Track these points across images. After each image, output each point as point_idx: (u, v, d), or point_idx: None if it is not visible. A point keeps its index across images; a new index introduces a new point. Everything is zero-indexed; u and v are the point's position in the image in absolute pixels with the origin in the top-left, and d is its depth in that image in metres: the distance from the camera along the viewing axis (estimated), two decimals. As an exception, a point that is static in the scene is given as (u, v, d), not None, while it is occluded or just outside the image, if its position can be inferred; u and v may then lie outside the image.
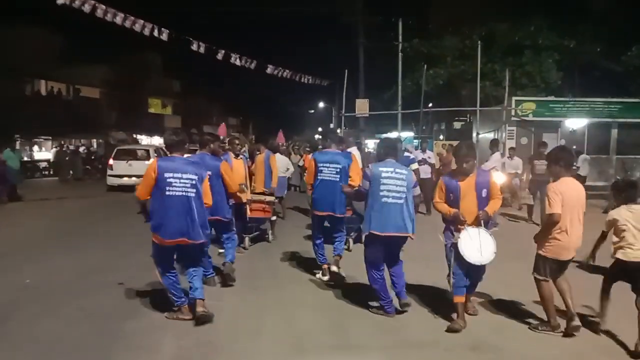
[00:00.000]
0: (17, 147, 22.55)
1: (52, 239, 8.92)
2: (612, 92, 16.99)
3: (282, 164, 9.85)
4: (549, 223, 4.19)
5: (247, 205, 7.44)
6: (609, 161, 16.27)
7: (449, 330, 4.33)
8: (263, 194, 8.21)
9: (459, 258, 4.40)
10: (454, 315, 4.47)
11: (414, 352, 4.05)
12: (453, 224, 4.58)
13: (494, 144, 10.52)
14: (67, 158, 22.90)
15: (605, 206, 12.24)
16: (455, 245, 4.44)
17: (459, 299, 4.42)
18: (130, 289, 5.55)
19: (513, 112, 16.18)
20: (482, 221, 4.46)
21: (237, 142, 7.62)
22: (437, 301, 5.27)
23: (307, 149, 15.69)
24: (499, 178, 7.66)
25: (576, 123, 16.34)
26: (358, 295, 5.35)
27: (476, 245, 4.36)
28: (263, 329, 4.50)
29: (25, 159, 24.39)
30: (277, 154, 9.65)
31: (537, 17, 18.72)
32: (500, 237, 7.39)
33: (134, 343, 4.17)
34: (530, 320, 4.67)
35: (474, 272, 4.53)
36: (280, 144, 16.43)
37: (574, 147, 16.02)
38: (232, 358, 3.94)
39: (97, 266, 6.70)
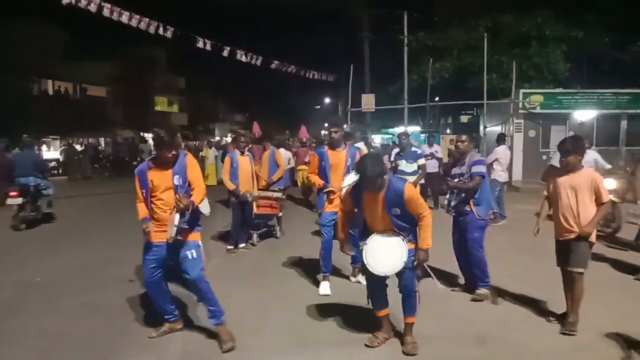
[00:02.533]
0: (26, 146, 22.71)
1: (60, 235, 8.99)
2: (621, 83, 16.79)
3: (284, 157, 10.03)
4: (607, 208, 4.25)
5: (254, 202, 7.45)
6: (618, 153, 16.10)
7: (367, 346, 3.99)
8: (269, 190, 8.20)
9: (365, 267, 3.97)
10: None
11: (419, 344, 4.03)
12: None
13: (500, 137, 10.44)
14: (75, 157, 23.05)
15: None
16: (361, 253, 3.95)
17: (380, 313, 4.07)
18: (136, 285, 5.58)
19: (520, 105, 16.05)
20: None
21: (242, 139, 7.62)
22: (442, 295, 5.26)
23: (313, 144, 15.65)
24: (609, 183, 6.99)
25: (585, 115, 16.18)
26: (363, 291, 5.34)
27: (385, 253, 3.84)
28: (269, 325, 4.51)
29: (34, 158, 24.53)
30: (281, 149, 9.74)
31: (544, 7, 18.52)
32: (508, 230, 7.38)
33: (140, 339, 4.20)
34: (535, 312, 4.65)
35: (399, 287, 3.97)
36: (303, 138, 16.50)
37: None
38: (237, 353, 3.95)
39: (105, 262, 6.75)
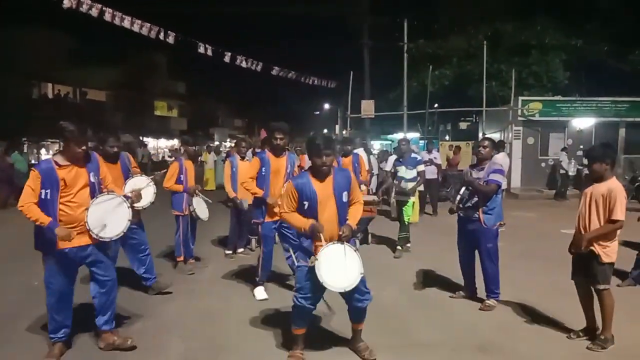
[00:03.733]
0: (25, 150, 22.70)
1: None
2: (619, 91, 16.86)
3: None
4: (617, 228, 3.94)
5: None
6: (617, 161, 16.15)
7: None
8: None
9: (315, 284, 3.61)
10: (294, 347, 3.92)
11: (420, 352, 4.03)
12: (307, 240, 3.76)
13: (500, 145, 10.48)
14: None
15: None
16: (312, 270, 3.57)
17: (300, 331, 3.88)
18: (137, 289, 5.56)
19: (519, 112, 16.11)
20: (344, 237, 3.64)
21: (243, 144, 7.63)
22: (444, 301, 5.26)
23: (298, 149, 15.65)
24: None
25: (583, 123, 16.24)
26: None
27: (340, 266, 3.55)
28: (269, 330, 4.49)
29: (33, 162, 24.56)
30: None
31: (544, 16, 18.64)
32: (507, 237, 7.39)
33: (142, 343, 4.17)
34: (537, 320, 4.64)
35: (347, 297, 3.75)
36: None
37: (581, 146, 15.98)
38: (237, 358, 3.94)
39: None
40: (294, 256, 3.95)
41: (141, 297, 5.35)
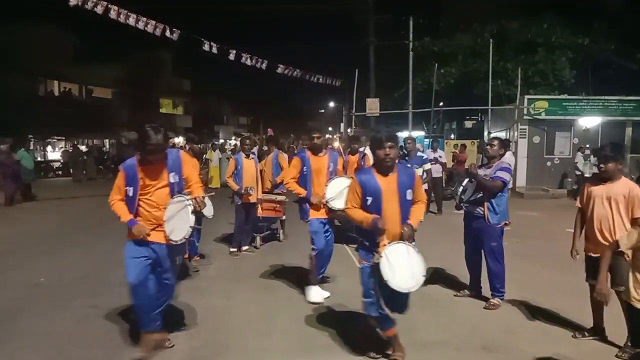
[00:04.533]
0: (31, 147, 22.84)
1: (65, 236, 9.02)
2: (626, 90, 16.74)
3: None
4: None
5: (258, 205, 7.47)
6: (623, 160, 16.03)
7: None
8: (273, 192, 8.21)
9: (382, 284, 3.49)
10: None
11: (424, 351, 4.02)
12: (370, 238, 3.62)
13: (506, 144, 10.43)
14: (80, 158, 23.15)
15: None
16: (375, 268, 3.50)
17: (392, 332, 3.77)
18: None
19: (525, 111, 16.03)
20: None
21: (247, 142, 7.63)
22: (449, 300, 5.25)
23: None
24: None
25: (590, 121, 16.14)
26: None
27: (405, 266, 3.45)
28: (273, 328, 4.50)
29: (39, 159, 24.71)
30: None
31: (550, 14, 18.52)
32: (512, 236, 7.37)
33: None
34: (542, 320, 4.62)
35: (396, 301, 3.64)
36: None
37: (588, 145, 15.89)
38: (242, 357, 3.95)
39: (110, 263, 6.74)
40: (354, 258, 3.91)
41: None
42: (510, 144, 13.74)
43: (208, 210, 6.42)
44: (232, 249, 7.39)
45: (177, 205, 3.68)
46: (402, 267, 3.43)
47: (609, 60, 18.60)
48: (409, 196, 3.62)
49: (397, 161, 3.73)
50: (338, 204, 4.75)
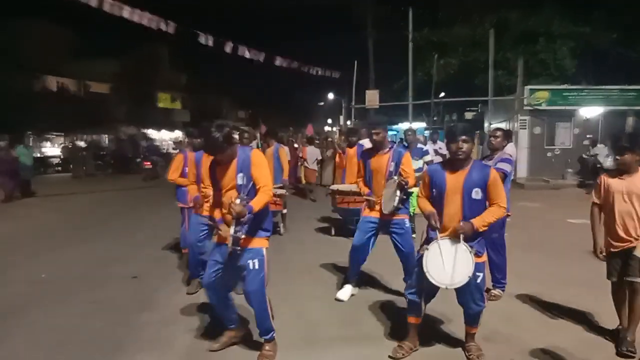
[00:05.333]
0: (30, 143, 22.77)
1: (66, 232, 8.98)
2: (627, 79, 16.67)
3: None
4: None
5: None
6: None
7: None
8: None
9: (420, 275, 3.54)
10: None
11: (429, 343, 3.98)
12: (428, 230, 3.64)
13: (508, 134, 10.36)
14: (79, 154, 23.08)
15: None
16: (420, 259, 3.54)
17: (412, 319, 3.77)
18: (143, 281, 5.56)
19: (526, 102, 15.95)
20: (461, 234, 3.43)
21: (245, 135, 7.56)
22: (450, 291, 5.20)
23: (317, 141, 15.64)
24: None
25: (591, 112, 16.08)
26: (369, 287, 5.31)
27: (448, 262, 3.41)
28: (274, 322, 4.46)
29: (38, 155, 24.63)
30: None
31: (551, 3, 18.38)
32: (513, 227, 7.35)
33: (147, 336, 4.18)
34: (543, 310, 4.60)
35: (461, 298, 3.67)
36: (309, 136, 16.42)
37: (590, 135, 15.83)
38: (244, 350, 3.92)
39: (110, 259, 6.73)
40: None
41: (147, 290, 5.36)
42: (512, 135, 13.66)
43: (208, 205, 6.40)
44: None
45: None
46: (445, 262, 3.39)
47: (610, 50, 18.49)
48: (475, 195, 3.44)
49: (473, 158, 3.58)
50: (387, 208, 4.65)
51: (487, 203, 3.52)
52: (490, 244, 4.96)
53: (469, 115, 25.48)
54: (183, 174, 5.83)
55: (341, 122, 36.07)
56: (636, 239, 3.71)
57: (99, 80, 32.53)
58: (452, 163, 3.54)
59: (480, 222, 3.44)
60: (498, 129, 5.37)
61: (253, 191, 3.49)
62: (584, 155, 15.31)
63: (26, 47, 24.65)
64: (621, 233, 3.78)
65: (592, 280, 5.53)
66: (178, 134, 32.66)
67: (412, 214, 7.42)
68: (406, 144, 8.45)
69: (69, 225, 9.80)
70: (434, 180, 3.56)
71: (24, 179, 13.90)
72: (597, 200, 3.95)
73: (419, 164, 7.43)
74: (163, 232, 8.01)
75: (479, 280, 3.53)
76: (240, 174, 3.48)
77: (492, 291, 4.99)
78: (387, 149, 4.88)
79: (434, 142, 11.79)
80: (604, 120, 16.13)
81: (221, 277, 3.61)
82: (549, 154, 16.27)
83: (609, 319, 4.22)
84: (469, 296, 3.57)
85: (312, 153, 13.35)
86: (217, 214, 3.65)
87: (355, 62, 18.02)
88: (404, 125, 19.02)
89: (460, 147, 3.43)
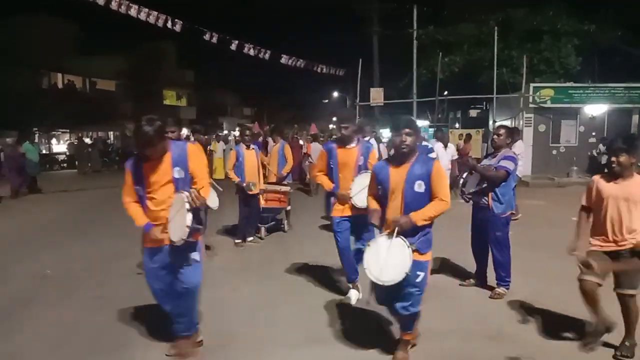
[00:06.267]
0: (36, 140, 22.90)
1: (71, 228, 9.07)
2: (633, 77, 16.57)
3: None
4: None
5: (260, 196, 7.47)
6: (637, 153, 15.87)
7: None
8: (278, 184, 8.21)
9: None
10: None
11: (430, 341, 4.02)
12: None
13: (516, 132, 10.34)
14: (85, 151, 23.23)
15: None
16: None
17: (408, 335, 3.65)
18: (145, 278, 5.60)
19: (530, 99, 15.90)
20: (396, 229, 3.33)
21: (247, 132, 7.59)
22: (454, 289, 5.25)
23: (321, 138, 15.66)
24: None
25: (596, 109, 16.00)
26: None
27: (383, 257, 3.31)
28: (278, 318, 4.51)
29: (44, 151, 24.80)
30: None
31: (556, 1, 18.29)
32: (518, 225, 7.35)
33: (151, 331, 4.22)
34: (548, 309, 4.61)
35: (395, 298, 3.47)
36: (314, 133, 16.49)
37: (594, 133, 15.76)
38: (247, 347, 3.96)
39: (115, 255, 6.79)
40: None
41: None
42: (519, 132, 13.63)
43: (213, 202, 6.45)
44: (237, 240, 7.40)
45: (177, 203, 3.40)
46: (380, 258, 3.31)
47: (615, 47, 18.39)
48: (418, 188, 3.36)
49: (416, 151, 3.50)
50: (361, 200, 4.40)
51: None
52: (494, 242, 4.99)
53: (473, 113, 25.41)
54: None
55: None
56: (622, 245, 3.64)
57: (105, 77, 32.68)
58: (396, 158, 3.50)
59: (419, 216, 3.34)
60: (501, 126, 5.36)
61: (189, 185, 3.46)
62: (594, 153, 15.24)
63: (32, 44, 24.78)
64: (611, 239, 3.69)
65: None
66: (185, 131, 32.73)
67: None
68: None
69: (75, 221, 9.88)
70: (379, 177, 3.52)
71: (30, 175, 14.01)
72: (587, 203, 3.84)
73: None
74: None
75: (418, 280, 3.36)
76: (177, 168, 3.42)
77: (496, 289, 5.00)
78: (355, 143, 4.79)
79: (438, 140, 11.60)
80: (609, 118, 16.06)
81: (169, 283, 3.51)
82: (554, 152, 16.22)
83: (616, 317, 4.22)
84: (401, 297, 3.40)
85: (316, 149, 13.47)
86: (149, 217, 3.45)
87: (360, 59, 17.99)
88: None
89: (404, 141, 3.38)
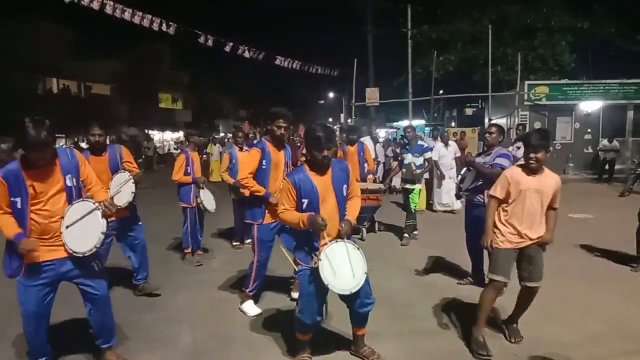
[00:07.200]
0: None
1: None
2: (627, 73, 16.65)
3: None
4: None
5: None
6: (625, 144, 16.00)
7: None
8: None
9: (319, 288, 3.36)
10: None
11: (428, 339, 4.03)
12: (308, 239, 3.44)
13: (520, 133, 10.38)
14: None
15: (622, 190, 12.07)
16: (315, 272, 3.28)
17: (305, 337, 3.65)
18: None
19: (526, 97, 15.96)
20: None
21: (240, 133, 7.53)
22: (451, 288, 5.26)
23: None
24: None
25: (591, 106, 16.08)
26: (373, 283, 5.35)
27: (345, 266, 3.25)
28: (277, 320, 4.52)
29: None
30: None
31: (550, -2, 18.37)
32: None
33: (151, 334, 4.22)
34: (545, 305, 4.62)
35: (350, 300, 3.45)
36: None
37: (589, 130, 15.82)
38: (247, 349, 3.96)
39: (112, 258, 6.75)
40: (290, 259, 3.62)
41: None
42: (513, 130, 13.68)
43: (210, 204, 6.45)
44: (234, 243, 7.40)
45: (80, 211, 3.16)
46: (342, 267, 3.24)
47: (609, 43, 18.47)
48: (345, 192, 3.46)
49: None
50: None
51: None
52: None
53: (469, 111, 25.47)
54: (186, 173, 6.28)
55: (342, 120, 36.08)
56: (536, 240, 3.74)
57: (100, 81, 32.59)
58: (317, 168, 3.42)
59: (353, 217, 3.49)
60: (493, 124, 5.38)
61: (80, 194, 3.30)
62: (598, 150, 15.21)
63: (27, 48, 24.70)
64: (528, 233, 3.74)
65: (593, 274, 5.59)
66: (181, 134, 32.71)
67: (413, 210, 7.48)
68: (407, 141, 8.49)
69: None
70: (303, 188, 3.35)
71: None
72: (500, 195, 3.81)
73: (419, 160, 7.47)
74: (165, 232, 8.06)
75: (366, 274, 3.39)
76: (69, 175, 3.19)
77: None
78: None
79: (435, 139, 11.59)
80: (604, 115, 16.13)
81: (52, 299, 3.35)
82: (549, 149, 16.27)
83: (611, 311, 4.26)
84: (364, 294, 3.41)
85: None
86: (35, 230, 3.14)
87: (355, 59, 18.04)
88: (403, 123, 19.03)
89: (326, 156, 3.36)
